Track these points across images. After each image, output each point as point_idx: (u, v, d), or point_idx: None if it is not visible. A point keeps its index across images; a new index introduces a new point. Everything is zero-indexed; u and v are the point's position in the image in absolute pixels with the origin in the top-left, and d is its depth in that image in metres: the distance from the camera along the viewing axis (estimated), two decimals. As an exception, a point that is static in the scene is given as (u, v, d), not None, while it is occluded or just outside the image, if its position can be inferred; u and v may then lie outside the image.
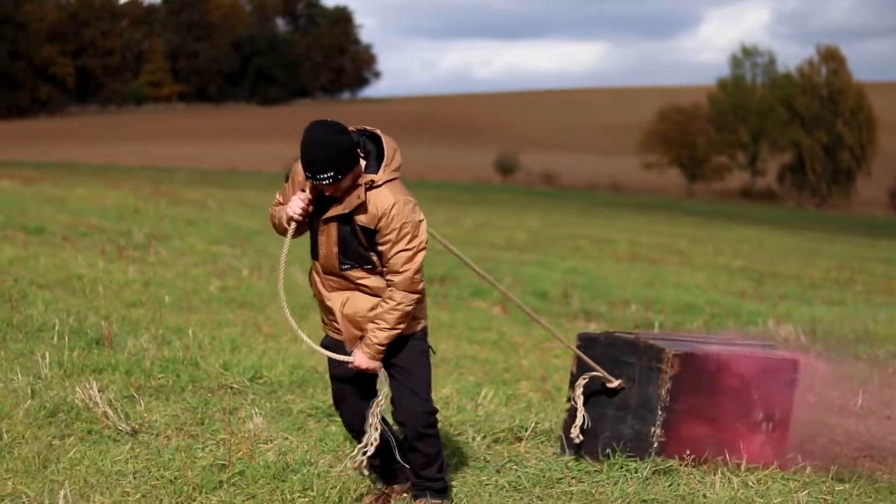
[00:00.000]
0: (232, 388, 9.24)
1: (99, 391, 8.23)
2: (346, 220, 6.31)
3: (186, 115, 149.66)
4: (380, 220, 6.24)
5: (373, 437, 6.53)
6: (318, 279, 6.55)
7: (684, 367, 7.66)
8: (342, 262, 6.39)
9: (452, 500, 6.89)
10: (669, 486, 7.39)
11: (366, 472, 6.78)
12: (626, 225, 39.29)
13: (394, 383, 6.57)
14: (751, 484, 7.47)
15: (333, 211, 6.30)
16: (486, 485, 7.31)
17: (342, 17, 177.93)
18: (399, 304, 6.33)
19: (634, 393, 7.75)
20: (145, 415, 8.24)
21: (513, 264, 21.08)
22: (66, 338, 10.33)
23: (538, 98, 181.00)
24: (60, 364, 9.41)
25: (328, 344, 6.62)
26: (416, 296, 6.37)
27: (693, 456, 7.71)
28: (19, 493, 6.46)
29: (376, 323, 6.37)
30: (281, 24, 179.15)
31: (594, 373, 7.81)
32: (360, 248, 6.33)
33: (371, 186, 6.25)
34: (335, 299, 6.49)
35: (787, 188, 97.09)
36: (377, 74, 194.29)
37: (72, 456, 7.16)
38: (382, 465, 6.90)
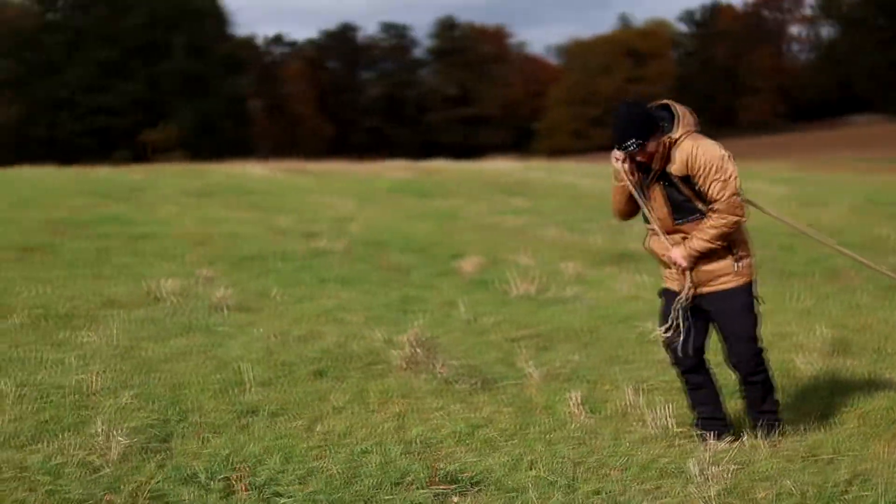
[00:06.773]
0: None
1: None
2: (665, 179, 7.33)
3: None
4: (688, 164, 7.22)
5: (673, 318, 7.47)
6: (658, 240, 7.52)
7: None
8: (675, 219, 7.38)
9: (782, 427, 7.71)
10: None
11: (699, 433, 7.58)
12: None
13: (721, 333, 7.53)
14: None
15: (654, 171, 7.32)
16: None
17: None
18: (719, 220, 7.22)
19: None
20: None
21: None
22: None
23: None
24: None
25: (665, 295, 7.65)
26: (736, 217, 7.23)
27: None
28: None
29: (698, 232, 7.28)
30: None
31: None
32: (686, 203, 7.33)
33: (674, 143, 7.24)
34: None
35: None
36: None
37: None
38: (711, 418, 7.69)
